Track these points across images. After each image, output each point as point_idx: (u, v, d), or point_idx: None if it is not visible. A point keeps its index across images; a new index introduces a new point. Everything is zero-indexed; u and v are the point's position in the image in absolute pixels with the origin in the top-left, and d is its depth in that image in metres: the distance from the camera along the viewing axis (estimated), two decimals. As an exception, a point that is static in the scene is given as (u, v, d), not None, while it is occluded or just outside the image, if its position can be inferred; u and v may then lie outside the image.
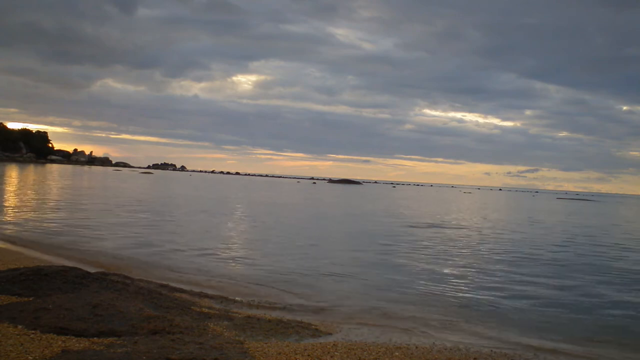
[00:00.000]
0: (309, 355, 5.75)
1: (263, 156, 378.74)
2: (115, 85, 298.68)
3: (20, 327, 5.75)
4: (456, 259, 15.52)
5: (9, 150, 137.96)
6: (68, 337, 5.60)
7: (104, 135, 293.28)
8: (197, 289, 9.36)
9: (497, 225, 29.54)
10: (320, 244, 17.56)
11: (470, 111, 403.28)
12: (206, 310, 7.64)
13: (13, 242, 13.71)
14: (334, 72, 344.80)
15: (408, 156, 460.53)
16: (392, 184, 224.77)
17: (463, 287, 11.38)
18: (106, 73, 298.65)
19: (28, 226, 17.20)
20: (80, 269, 8.17)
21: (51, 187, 41.76)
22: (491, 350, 6.91)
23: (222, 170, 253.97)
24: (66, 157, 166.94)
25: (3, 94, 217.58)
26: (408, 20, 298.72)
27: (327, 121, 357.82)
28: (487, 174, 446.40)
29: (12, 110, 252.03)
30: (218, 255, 14.00)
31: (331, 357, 5.79)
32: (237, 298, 9.07)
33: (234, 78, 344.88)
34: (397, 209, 41.78)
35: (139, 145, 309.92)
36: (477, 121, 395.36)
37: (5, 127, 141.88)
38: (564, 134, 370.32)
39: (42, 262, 9.92)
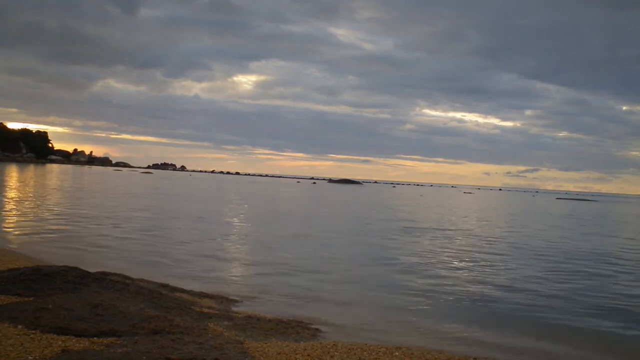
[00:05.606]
0: (309, 355, 5.75)
1: (263, 156, 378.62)
2: (116, 85, 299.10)
3: (20, 327, 5.75)
4: (460, 261, 15.51)
5: (9, 151, 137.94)
6: (68, 337, 5.60)
7: (104, 135, 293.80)
8: (197, 289, 9.36)
9: (504, 226, 29.55)
10: (322, 245, 17.54)
11: (471, 111, 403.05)
12: (206, 310, 7.65)
13: (13, 242, 13.71)
14: (334, 72, 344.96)
15: (408, 156, 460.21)
16: (392, 184, 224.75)
17: (464, 289, 11.36)
18: (107, 73, 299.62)
19: (28, 226, 17.19)
20: (80, 269, 8.17)
21: (51, 187, 41.76)
22: (492, 351, 6.91)
23: (222, 170, 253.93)
24: (66, 157, 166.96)
25: (4, 94, 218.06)
26: (408, 20, 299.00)
27: (327, 121, 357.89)
28: (487, 173, 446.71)
29: (13, 110, 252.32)
30: (219, 255, 13.99)
31: (331, 357, 5.79)
32: (237, 298, 9.08)
33: (235, 78, 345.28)
34: (401, 210, 41.78)
35: (139, 145, 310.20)
36: (477, 121, 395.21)
37: (5, 127, 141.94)
38: (564, 134, 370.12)
39: (42, 262, 9.92)
